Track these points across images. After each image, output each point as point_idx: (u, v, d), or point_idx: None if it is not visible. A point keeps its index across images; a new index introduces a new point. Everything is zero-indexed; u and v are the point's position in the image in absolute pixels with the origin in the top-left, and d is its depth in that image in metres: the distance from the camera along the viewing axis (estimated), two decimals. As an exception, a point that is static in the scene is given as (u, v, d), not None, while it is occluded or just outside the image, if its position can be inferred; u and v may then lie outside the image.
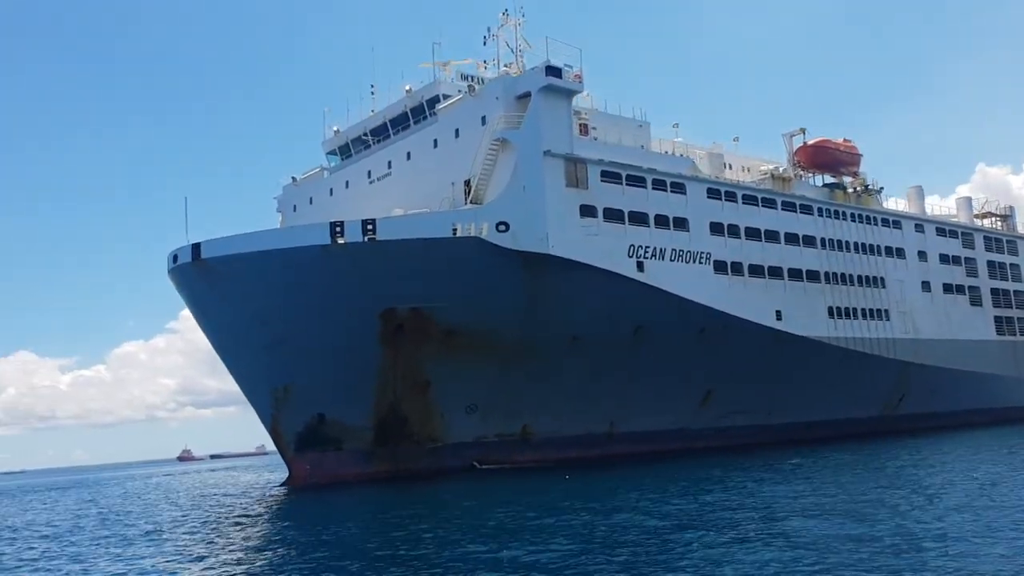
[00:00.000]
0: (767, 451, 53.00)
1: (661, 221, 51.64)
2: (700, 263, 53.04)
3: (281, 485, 51.39)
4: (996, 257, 78.44)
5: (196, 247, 46.63)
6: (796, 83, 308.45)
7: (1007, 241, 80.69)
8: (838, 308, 61.10)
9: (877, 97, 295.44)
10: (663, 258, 51.02)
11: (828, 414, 62.62)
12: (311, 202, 61.97)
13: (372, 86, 57.72)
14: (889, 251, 67.07)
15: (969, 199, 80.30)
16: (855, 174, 67.10)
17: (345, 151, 60.07)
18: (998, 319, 76.66)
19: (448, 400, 48.27)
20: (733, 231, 55.61)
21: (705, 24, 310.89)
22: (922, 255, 70.19)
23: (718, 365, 54.54)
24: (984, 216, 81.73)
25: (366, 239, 44.25)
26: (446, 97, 51.64)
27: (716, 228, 54.64)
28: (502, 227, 45.01)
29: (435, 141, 51.63)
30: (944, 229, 73.67)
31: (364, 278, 44.64)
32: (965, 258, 74.98)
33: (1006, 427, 68.20)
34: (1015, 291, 79.68)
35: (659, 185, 51.97)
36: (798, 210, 60.21)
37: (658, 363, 52.05)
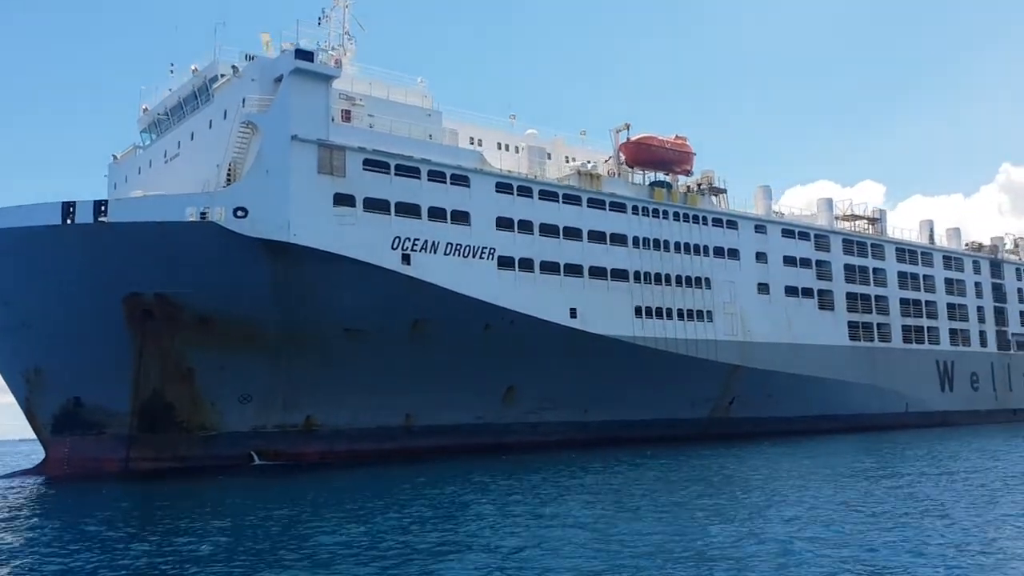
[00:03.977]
0: (578, 450, 52.23)
1: (436, 213, 50.39)
2: (481, 258, 51.81)
3: (35, 468, 50.21)
4: (855, 261, 76.98)
5: (-66, 225, 45.46)
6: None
7: (872, 245, 79.23)
8: (647, 308, 59.86)
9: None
10: (435, 251, 49.80)
11: (651, 414, 61.56)
12: (126, 180, 60.89)
13: (172, 64, 56.43)
14: (719, 251, 65.68)
15: (830, 200, 78.71)
16: (687, 172, 65.56)
17: (154, 129, 58.85)
18: (852, 324, 75.37)
19: (216, 389, 47.21)
20: (525, 227, 54.34)
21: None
22: (761, 256, 68.77)
23: (514, 361, 53.55)
24: (849, 219, 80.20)
25: (96, 220, 43.17)
26: (223, 77, 50.36)
27: (504, 223, 53.37)
28: (240, 213, 43.86)
29: (210, 122, 50.46)
30: (793, 231, 72.23)
31: (99, 261, 43.54)
32: (817, 261, 73.53)
33: (854, 435, 67.26)
34: (876, 296, 78.31)
35: (437, 177, 50.69)
36: (607, 207, 58.88)
37: (447, 357, 51.04)
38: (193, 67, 52.92)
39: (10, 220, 43.42)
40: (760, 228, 69.40)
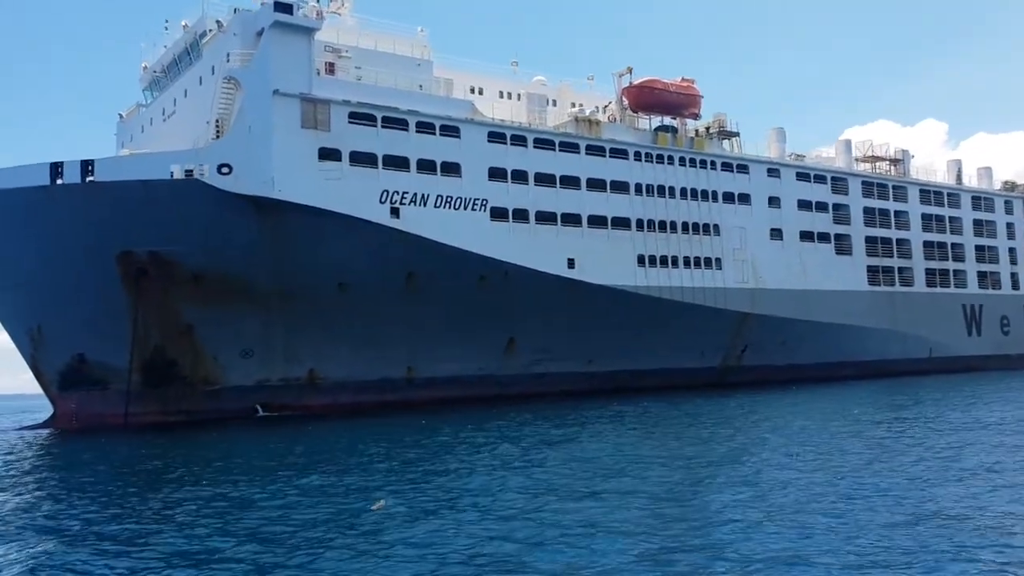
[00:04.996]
0: (584, 401, 52.04)
1: (425, 166, 49.91)
2: (474, 209, 51.35)
3: (44, 423, 51.75)
4: (876, 204, 74.75)
5: (-65, 186, 46.42)
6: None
7: (893, 187, 76.84)
8: (651, 256, 58.96)
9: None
10: (425, 204, 49.45)
11: (659, 363, 61.06)
12: (131, 139, 61.43)
13: (166, 21, 56.34)
14: (729, 197, 64.20)
15: (849, 142, 76.31)
16: (695, 116, 63.87)
17: (155, 87, 59.05)
18: (872, 269, 73.55)
19: (217, 344, 47.96)
20: (519, 176, 53.62)
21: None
22: (774, 201, 67.11)
23: (513, 312, 53.44)
24: (870, 160, 77.75)
25: (85, 180, 43.66)
26: (210, 32, 50.15)
27: (497, 173, 52.71)
28: (224, 169, 43.95)
29: (200, 79, 50.39)
30: (808, 174, 70.29)
31: (89, 220, 44.13)
32: (834, 204, 71.58)
33: (872, 382, 66.25)
34: (898, 239, 76.20)
35: (426, 128, 50.09)
36: (607, 154, 57.78)
37: (444, 309, 51.14)
38: (184, 23, 52.77)
39: (7, 181, 44.12)
40: (773, 172, 67.61)
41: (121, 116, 63.62)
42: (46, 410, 54.71)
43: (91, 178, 43.61)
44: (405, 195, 48.72)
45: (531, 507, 18.03)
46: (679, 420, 38.36)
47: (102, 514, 19.60)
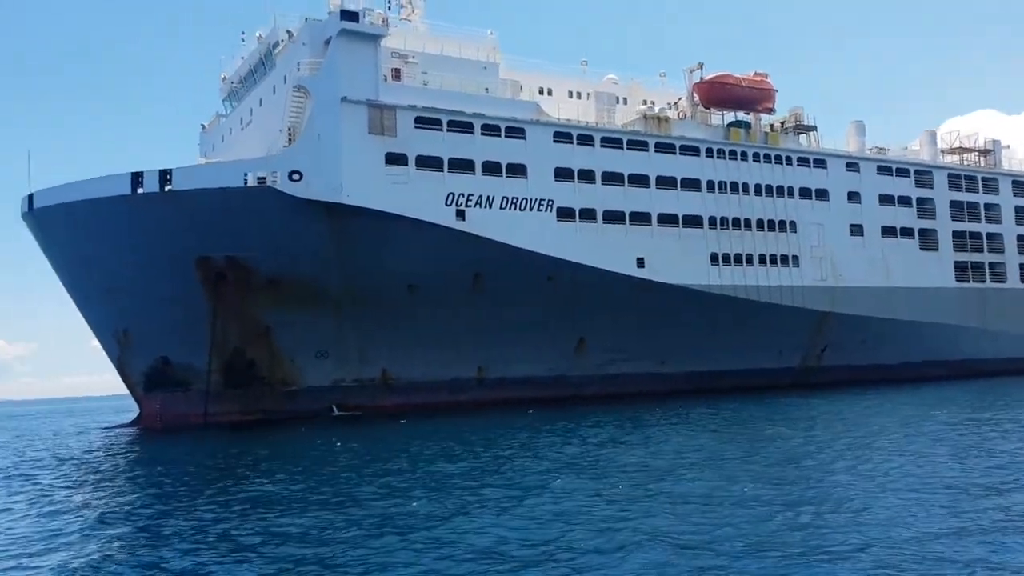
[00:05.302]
0: (659, 401, 51.62)
1: (491, 168, 50.13)
2: (540, 210, 51.33)
3: (132, 422, 53.98)
4: (963, 197, 71.73)
5: (30, 197, 48.97)
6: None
7: (983, 179, 73.52)
8: (725, 255, 57.92)
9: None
10: (491, 206, 49.67)
11: (735, 364, 60.01)
12: (213, 148, 63.57)
13: (243, 33, 58.05)
14: (805, 192, 62.56)
15: (934, 134, 73.37)
16: (768, 110, 62.41)
17: (233, 97, 60.98)
18: (960, 264, 70.67)
19: (294, 345, 49.29)
20: (586, 176, 53.35)
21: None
22: (853, 196, 65.09)
23: (582, 312, 53.29)
24: (957, 152, 74.64)
25: (164, 189, 45.35)
26: (282, 43, 51.47)
27: (563, 173, 52.57)
28: (295, 176, 45.03)
29: (274, 88, 51.77)
30: (890, 167, 67.94)
31: (168, 228, 45.80)
32: (918, 198, 69.00)
33: (962, 382, 63.70)
34: (988, 233, 72.92)
35: (491, 130, 50.30)
36: (677, 151, 57.00)
37: (512, 309, 51.34)
38: (258, 34, 54.31)
39: (87, 192, 46.23)
40: (852, 166, 65.60)
41: (203, 127, 65.84)
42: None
43: (169, 187, 45.24)
44: (471, 197, 49.07)
45: (573, 508, 17.96)
46: (750, 422, 37.56)
47: (156, 508, 20.46)
